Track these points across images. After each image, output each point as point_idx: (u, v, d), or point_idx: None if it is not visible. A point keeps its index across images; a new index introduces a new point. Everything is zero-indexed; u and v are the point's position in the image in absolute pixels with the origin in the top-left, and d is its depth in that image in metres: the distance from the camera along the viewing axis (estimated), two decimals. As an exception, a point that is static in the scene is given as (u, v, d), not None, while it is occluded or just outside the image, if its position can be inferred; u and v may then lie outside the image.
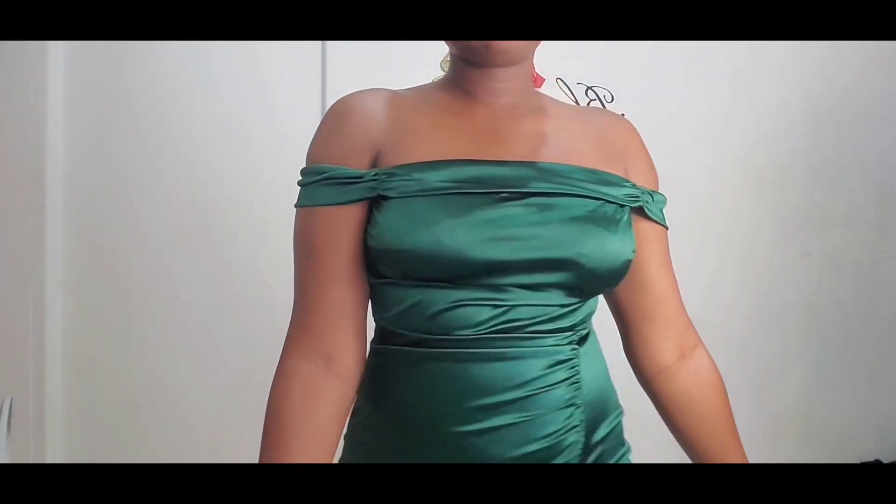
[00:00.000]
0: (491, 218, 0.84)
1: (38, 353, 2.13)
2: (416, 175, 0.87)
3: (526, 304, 0.87)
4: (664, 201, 1.04)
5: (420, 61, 2.18)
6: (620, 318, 1.13)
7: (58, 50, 2.13)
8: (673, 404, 1.14)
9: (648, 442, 2.30)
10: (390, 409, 0.91)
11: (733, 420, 1.11)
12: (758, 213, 2.27)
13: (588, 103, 2.20)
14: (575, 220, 0.88)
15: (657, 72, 2.21)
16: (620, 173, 0.98)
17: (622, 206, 0.94)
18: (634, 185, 0.98)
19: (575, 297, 0.92)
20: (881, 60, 2.27)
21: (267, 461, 0.96)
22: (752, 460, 2.27)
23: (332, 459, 0.96)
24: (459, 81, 0.99)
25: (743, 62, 2.23)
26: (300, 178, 1.10)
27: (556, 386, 0.90)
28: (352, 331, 0.94)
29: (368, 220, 0.92)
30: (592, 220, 0.89)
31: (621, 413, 1.11)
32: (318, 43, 2.16)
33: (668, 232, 1.13)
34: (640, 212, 0.98)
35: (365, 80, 2.18)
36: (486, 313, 0.86)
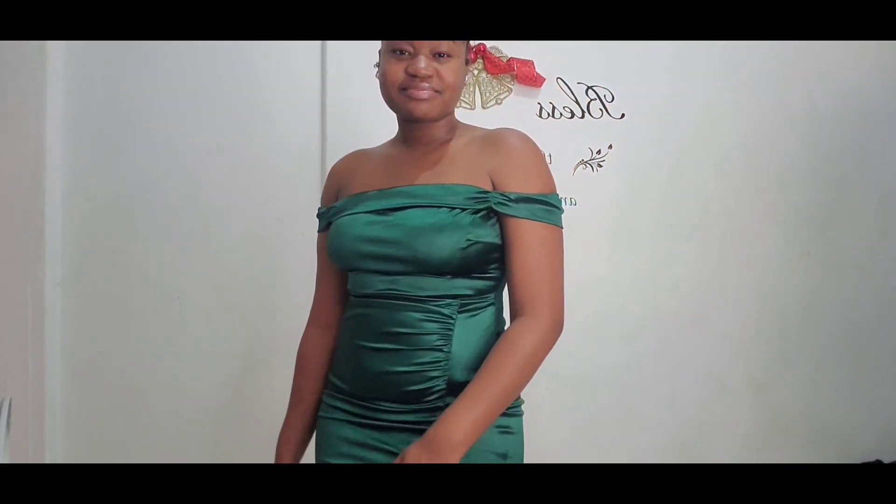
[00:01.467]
0: (365, 230, 1.30)
1: (38, 353, 2.13)
2: (340, 205, 1.37)
3: (406, 278, 1.27)
4: (536, 200, 1.26)
5: (420, 61, 2.18)
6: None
7: (58, 50, 2.13)
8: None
9: (648, 442, 2.30)
10: (341, 331, 1.40)
11: (495, 374, 1.22)
12: (758, 212, 2.27)
13: (588, 103, 2.20)
14: (415, 226, 1.25)
15: (657, 72, 2.21)
16: (485, 184, 1.26)
17: (464, 209, 1.24)
18: (484, 192, 1.25)
19: (433, 275, 1.25)
20: (882, 60, 2.27)
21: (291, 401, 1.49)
22: (752, 460, 2.28)
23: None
24: (400, 133, 1.41)
25: (743, 62, 2.23)
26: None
27: (427, 333, 1.26)
28: (337, 305, 1.46)
29: None
30: (432, 223, 1.24)
31: None
32: (317, 43, 2.16)
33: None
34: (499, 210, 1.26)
35: (365, 80, 2.18)
36: (378, 282, 1.29)
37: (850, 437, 2.32)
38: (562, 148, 2.19)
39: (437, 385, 1.26)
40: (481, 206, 1.25)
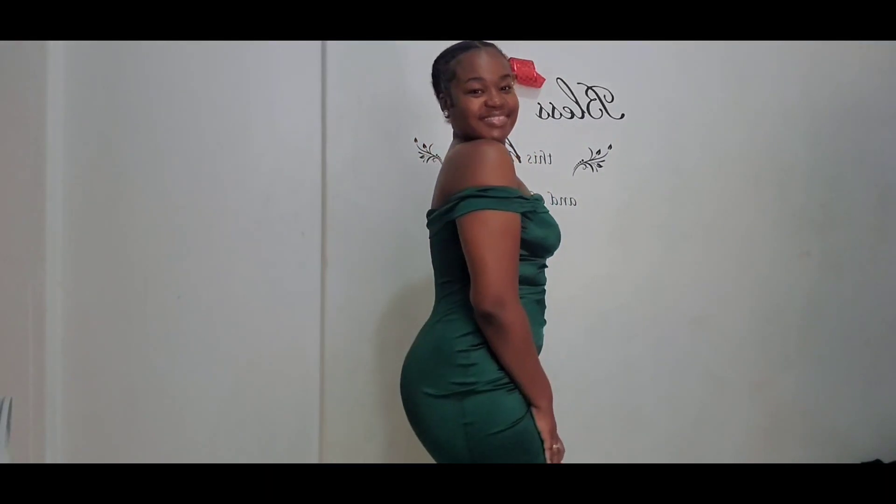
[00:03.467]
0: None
1: (38, 353, 2.13)
2: (537, 198, 1.59)
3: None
4: (462, 198, 1.45)
5: (420, 61, 2.18)
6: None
7: (58, 50, 2.13)
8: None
9: (648, 442, 2.31)
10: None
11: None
12: (758, 212, 2.27)
13: (588, 104, 2.20)
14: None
15: (657, 72, 2.21)
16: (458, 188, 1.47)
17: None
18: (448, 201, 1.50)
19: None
20: (881, 60, 2.27)
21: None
22: (751, 460, 2.28)
23: None
24: None
25: (743, 62, 2.23)
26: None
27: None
28: None
29: None
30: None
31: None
32: (317, 43, 2.16)
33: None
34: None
35: (365, 80, 2.19)
36: (543, 275, 1.64)
37: (850, 437, 2.32)
38: (562, 148, 2.19)
39: None
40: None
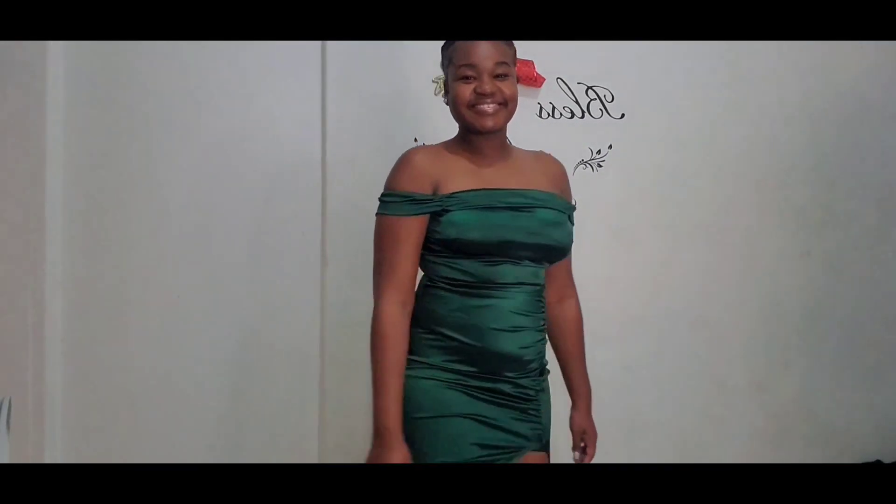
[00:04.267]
0: (514, 221, 1.52)
1: (38, 353, 2.12)
2: (464, 197, 1.50)
3: (531, 267, 1.55)
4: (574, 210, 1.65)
5: (420, 61, 2.18)
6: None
7: (58, 50, 2.13)
8: (550, 324, 1.67)
9: (648, 442, 2.30)
10: (472, 317, 1.56)
11: (579, 346, 1.73)
12: (758, 212, 2.27)
13: (588, 104, 2.20)
14: (549, 221, 1.54)
15: (657, 72, 2.21)
16: (558, 193, 1.61)
17: (564, 212, 1.59)
18: (569, 203, 1.63)
19: (546, 263, 1.57)
20: (881, 60, 2.27)
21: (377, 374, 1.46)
22: (752, 460, 2.28)
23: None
24: (466, 143, 1.58)
25: (743, 62, 2.23)
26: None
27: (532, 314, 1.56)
28: (414, 285, 1.55)
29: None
30: (558, 221, 1.55)
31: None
32: (317, 43, 2.16)
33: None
34: (570, 217, 1.61)
35: (365, 80, 2.19)
36: (511, 272, 1.53)
37: (850, 437, 2.32)
38: (562, 148, 2.18)
39: (537, 356, 1.57)
40: (569, 213, 1.61)
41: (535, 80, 2.16)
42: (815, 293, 2.30)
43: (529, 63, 2.15)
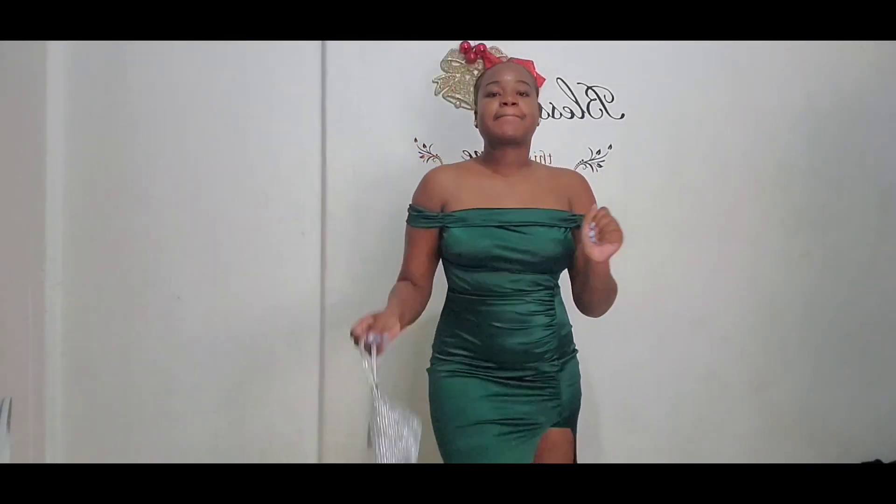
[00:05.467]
0: (503, 239, 1.68)
1: (38, 353, 2.13)
2: (460, 216, 1.70)
3: (527, 276, 1.69)
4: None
5: (420, 61, 2.18)
6: (573, 273, 1.77)
7: (58, 50, 2.13)
8: (584, 288, 1.72)
9: (648, 442, 2.30)
10: (477, 318, 1.74)
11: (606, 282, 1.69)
12: (758, 212, 2.27)
13: (588, 104, 2.20)
14: (543, 238, 1.68)
15: (657, 72, 2.21)
16: (566, 206, 1.73)
17: (563, 227, 1.71)
18: (572, 215, 1.72)
19: (544, 272, 1.70)
20: (882, 61, 2.27)
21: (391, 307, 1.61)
22: (752, 460, 2.28)
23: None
24: (491, 159, 1.76)
25: (743, 62, 2.23)
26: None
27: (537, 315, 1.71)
28: (429, 275, 1.78)
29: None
30: (552, 237, 1.69)
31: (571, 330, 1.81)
32: (317, 43, 2.16)
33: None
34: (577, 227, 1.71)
35: (365, 80, 2.19)
36: (505, 281, 1.68)
37: (850, 437, 2.32)
38: (562, 148, 2.19)
39: (550, 347, 1.72)
40: (571, 225, 1.72)
41: (535, 81, 2.16)
42: (815, 293, 2.30)
43: (529, 63, 2.15)
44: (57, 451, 2.20)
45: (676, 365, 2.27)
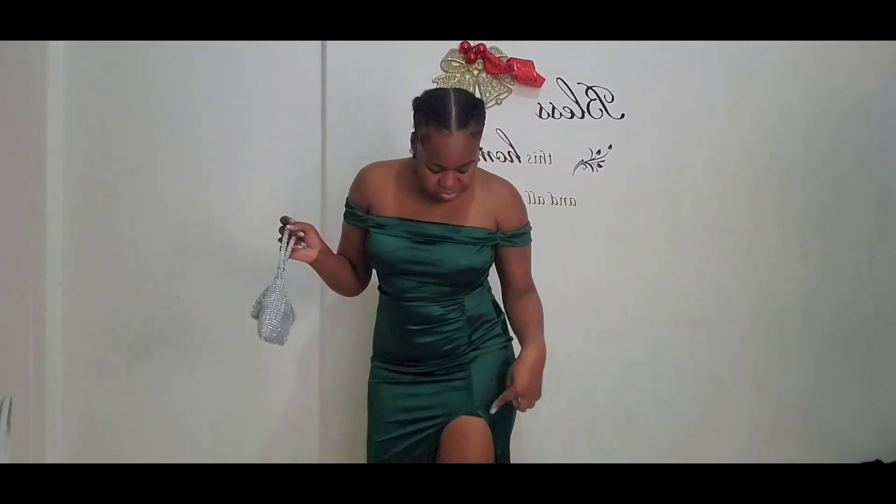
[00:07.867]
0: (411, 253, 1.77)
1: (38, 353, 2.13)
2: (380, 221, 1.79)
3: (434, 286, 1.78)
4: (524, 232, 1.84)
5: (420, 61, 2.18)
6: (501, 281, 1.88)
7: (58, 50, 2.13)
8: (512, 311, 1.84)
9: (648, 442, 2.31)
10: (388, 317, 1.88)
11: (536, 319, 1.79)
12: (758, 213, 2.27)
13: (588, 104, 2.20)
14: (451, 255, 1.76)
15: (657, 72, 2.21)
16: (490, 224, 1.79)
17: (480, 245, 1.78)
18: (492, 233, 1.79)
19: (451, 285, 1.79)
20: (881, 60, 2.27)
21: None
22: (751, 460, 2.28)
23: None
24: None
25: (743, 62, 2.23)
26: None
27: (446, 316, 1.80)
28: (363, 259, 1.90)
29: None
30: (462, 254, 1.76)
31: (496, 321, 1.88)
32: (317, 43, 2.16)
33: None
34: (502, 241, 1.81)
35: (365, 80, 2.19)
36: (413, 287, 1.78)
37: (849, 437, 2.32)
38: (562, 148, 2.19)
39: (461, 342, 1.81)
40: (490, 243, 1.79)
41: (535, 81, 2.16)
42: (814, 293, 2.30)
43: (529, 63, 2.15)
44: (57, 451, 2.20)
45: (676, 365, 2.27)
